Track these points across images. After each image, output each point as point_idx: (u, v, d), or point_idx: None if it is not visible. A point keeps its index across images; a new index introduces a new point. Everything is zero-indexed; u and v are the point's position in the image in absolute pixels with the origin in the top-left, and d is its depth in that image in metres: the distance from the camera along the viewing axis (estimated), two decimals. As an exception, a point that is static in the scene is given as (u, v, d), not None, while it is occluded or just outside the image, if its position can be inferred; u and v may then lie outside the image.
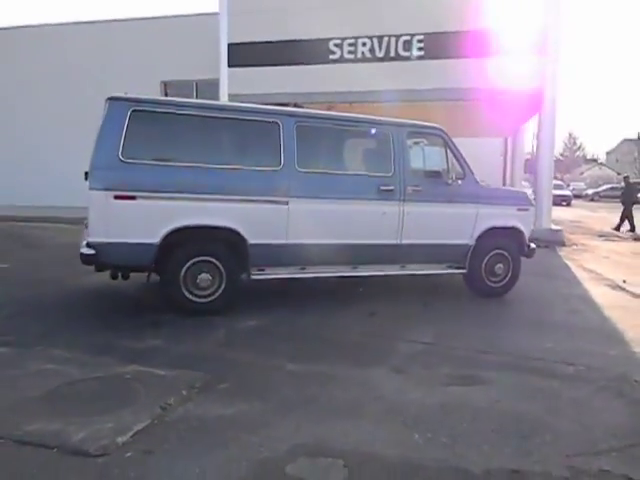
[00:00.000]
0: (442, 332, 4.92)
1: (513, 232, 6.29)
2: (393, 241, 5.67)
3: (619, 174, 19.88)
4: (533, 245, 6.53)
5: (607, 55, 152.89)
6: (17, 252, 8.95)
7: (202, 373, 3.69)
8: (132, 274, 5.47)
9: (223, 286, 5.06)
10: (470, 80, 11.81)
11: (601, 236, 14.71)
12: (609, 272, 8.47)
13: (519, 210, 6.34)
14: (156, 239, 4.76)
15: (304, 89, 12.57)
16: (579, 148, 76.99)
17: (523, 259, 6.49)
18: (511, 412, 3.27)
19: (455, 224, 5.93)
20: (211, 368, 3.80)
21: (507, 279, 6.33)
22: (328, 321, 5.15)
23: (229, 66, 13.37)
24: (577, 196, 40.24)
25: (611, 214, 16.28)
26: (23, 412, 3.01)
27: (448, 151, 5.95)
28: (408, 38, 12.22)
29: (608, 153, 78.23)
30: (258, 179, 5.10)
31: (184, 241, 4.91)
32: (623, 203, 16.20)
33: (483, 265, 6.16)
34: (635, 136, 64.82)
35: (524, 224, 6.35)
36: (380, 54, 12.41)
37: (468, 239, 6.03)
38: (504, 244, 6.26)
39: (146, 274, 5.26)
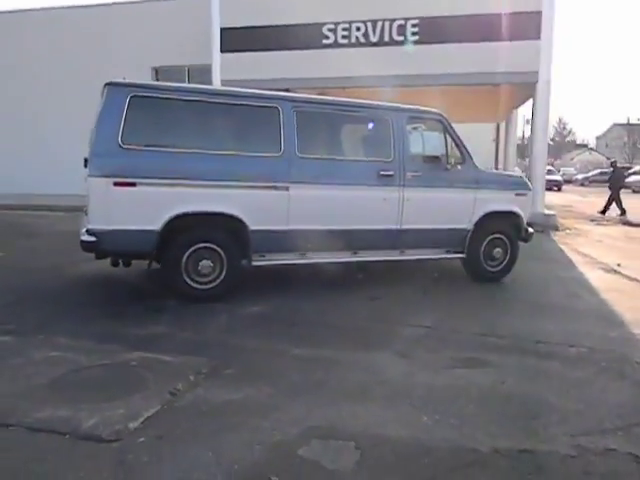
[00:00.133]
0: (443, 316, 4.96)
1: (511, 216, 6.32)
2: (393, 226, 5.69)
3: (608, 159, 19.99)
4: (531, 229, 6.57)
5: (596, 40, 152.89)
6: (14, 240, 8.87)
7: (208, 359, 3.70)
8: (132, 261, 5.46)
9: (224, 273, 5.06)
10: (464, 64, 11.78)
11: (593, 220, 14.82)
12: (603, 256, 8.55)
13: (517, 195, 6.37)
14: (157, 226, 4.74)
15: (298, 74, 12.49)
16: (569, 133, 77.36)
17: (519, 243, 6.53)
18: (516, 393, 3.32)
19: (454, 209, 5.95)
20: (216, 354, 3.81)
21: (505, 263, 6.38)
22: (330, 306, 5.17)
23: (222, 51, 13.23)
24: (568, 181, 40.41)
25: (601, 199, 16.41)
26: (32, 399, 3.01)
27: (447, 136, 5.95)
28: (402, 22, 12.15)
29: (598, 138, 78.63)
30: (259, 165, 5.08)
31: (185, 228, 4.89)
32: (610, 188, 16.33)
33: (482, 249, 6.19)
34: (625, 121, 65.09)
35: (522, 208, 6.38)
36: (374, 39, 12.34)
37: (467, 224, 6.06)
38: (502, 228, 6.29)
39: (147, 261, 5.22)
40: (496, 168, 19.80)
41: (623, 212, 15.72)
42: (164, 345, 3.96)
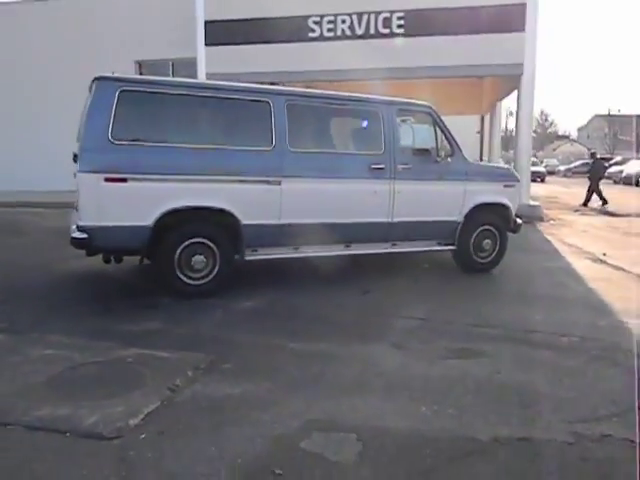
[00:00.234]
0: (435, 307, 5.00)
1: (500, 208, 6.38)
2: (384, 219, 5.71)
3: (589, 149, 20.33)
4: (519, 220, 6.64)
5: (577, 32, 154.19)
6: (0, 239, 8.74)
7: (205, 354, 3.69)
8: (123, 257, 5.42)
9: (217, 268, 5.05)
10: (450, 57, 11.83)
11: (577, 211, 15.02)
12: (589, 245, 8.68)
13: (506, 186, 6.43)
14: (149, 222, 4.70)
15: (284, 68, 12.44)
16: (551, 125, 78.09)
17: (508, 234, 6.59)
18: (511, 383, 3.36)
19: (444, 201, 5.99)
20: (213, 349, 3.81)
21: (494, 254, 6.44)
22: (323, 300, 5.18)
23: (206, 45, 13.13)
24: (550, 172, 40.85)
25: (584, 189, 16.60)
26: (29, 398, 2.98)
27: (437, 128, 5.98)
28: (388, 15, 12.15)
29: (579, 129, 79.39)
30: (250, 159, 5.06)
31: (177, 223, 4.86)
32: (590, 179, 16.53)
33: (471, 241, 6.24)
34: (606, 112, 65.83)
35: (511, 200, 6.45)
36: (360, 31, 12.33)
37: (457, 216, 6.10)
38: (492, 220, 6.35)
39: (138, 258, 5.19)
40: (481, 160, 19.95)
41: (605, 202, 15.92)
42: (159, 341, 3.95)
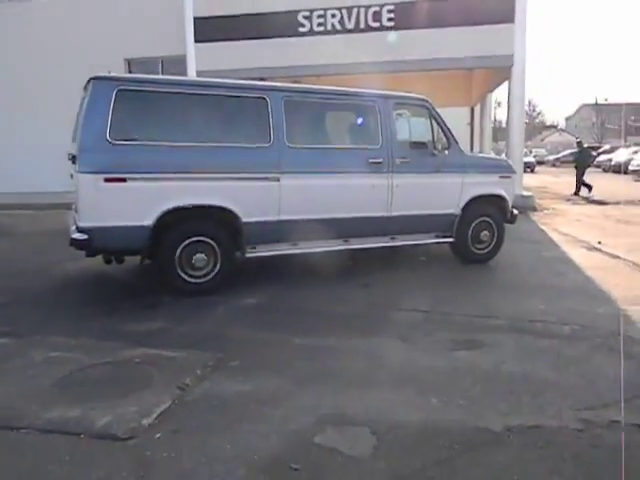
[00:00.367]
0: (436, 300, 5.03)
1: (497, 200, 6.43)
2: (383, 213, 5.73)
3: (577, 138, 20.46)
4: (516, 211, 6.70)
5: (564, 21, 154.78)
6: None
7: (211, 352, 3.69)
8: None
9: (218, 265, 5.05)
10: (440, 50, 11.84)
11: (568, 200, 15.14)
12: (583, 234, 8.75)
13: (502, 177, 6.47)
14: (149, 221, 4.69)
15: (274, 63, 12.37)
16: (539, 115, 78.40)
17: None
18: (518, 372, 3.40)
19: (442, 194, 6.02)
20: (218, 347, 3.81)
21: (492, 245, 6.49)
22: (324, 295, 5.20)
23: (196, 41, 13.03)
24: (540, 162, 41.08)
25: (573, 178, 16.73)
26: (40, 400, 2.98)
27: (433, 121, 6.00)
28: (378, 9, 12.12)
29: (567, 119, 79.82)
30: (249, 156, 5.06)
31: (178, 222, 4.86)
32: (576, 167, 16.66)
33: (469, 233, 6.28)
34: (593, 101, 66.17)
35: (507, 191, 6.49)
36: (350, 25, 12.30)
37: (455, 208, 6.14)
38: (489, 211, 6.39)
39: (139, 257, 5.18)
40: (471, 151, 20.01)
41: (590, 188, 16.04)
42: (165, 340, 3.95)
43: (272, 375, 3.36)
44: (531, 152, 44.32)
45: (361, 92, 5.76)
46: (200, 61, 12.93)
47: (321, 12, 12.40)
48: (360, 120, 5.89)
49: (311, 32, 12.51)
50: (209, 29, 12.85)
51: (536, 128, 73.89)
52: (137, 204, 4.68)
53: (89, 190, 4.52)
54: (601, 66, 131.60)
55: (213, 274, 5.05)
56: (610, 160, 30.78)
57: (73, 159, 4.61)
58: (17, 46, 15.59)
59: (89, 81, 4.72)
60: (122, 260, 5.29)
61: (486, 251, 6.48)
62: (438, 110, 6.12)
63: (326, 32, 12.43)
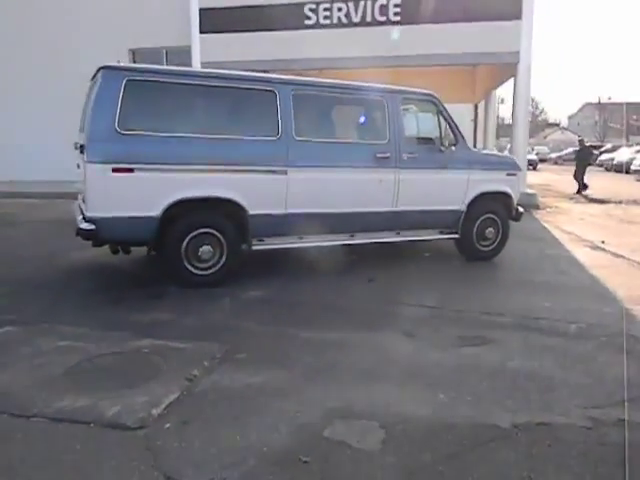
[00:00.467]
0: (441, 296, 5.03)
1: (503, 197, 6.42)
2: (389, 208, 5.73)
3: (579, 136, 20.52)
4: (521, 209, 6.69)
5: (568, 20, 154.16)
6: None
7: (219, 344, 3.70)
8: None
9: (224, 258, 5.05)
10: (446, 45, 11.80)
11: (571, 199, 15.13)
12: (586, 233, 8.76)
13: (508, 175, 6.47)
14: (157, 212, 4.69)
15: (280, 56, 12.33)
16: (541, 112, 78.27)
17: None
18: (525, 369, 3.41)
19: (448, 190, 6.01)
20: (225, 339, 3.82)
21: (497, 243, 6.49)
22: (329, 289, 5.20)
23: (201, 32, 13.01)
24: (542, 160, 41.03)
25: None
26: (50, 389, 2.98)
27: (440, 117, 5.99)
28: (384, 2, 12.08)
29: (570, 117, 79.69)
30: (257, 149, 5.05)
31: (185, 213, 4.85)
32: (576, 165, 16.70)
33: (474, 229, 6.28)
34: (596, 100, 66.06)
35: (513, 188, 6.49)
36: (356, 19, 12.25)
37: (460, 204, 6.13)
38: (494, 209, 6.39)
39: (146, 248, 5.17)
40: (474, 148, 19.98)
41: (584, 187, 16.07)
42: (172, 331, 3.96)
43: (279, 368, 3.37)
44: (533, 150, 44.28)
45: (370, 86, 5.74)
46: (205, 52, 12.89)
47: (327, 5, 12.37)
48: (368, 114, 5.88)
49: (317, 25, 12.48)
50: (215, 20, 12.81)
51: (539, 126, 73.76)
52: (145, 195, 4.67)
53: (97, 180, 4.52)
54: (605, 65, 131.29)
55: (219, 266, 5.05)
56: (612, 159, 30.76)
57: (81, 148, 4.59)
58: (21, 35, 15.52)
59: (98, 71, 4.70)
60: (129, 251, 5.29)
61: (491, 248, 6.48)
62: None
63: (332, 25, 12.40)
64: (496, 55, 11.92)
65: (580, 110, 75.77)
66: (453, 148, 6.01)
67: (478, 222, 6.29)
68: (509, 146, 20.29)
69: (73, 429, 2.61)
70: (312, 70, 12.14)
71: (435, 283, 5.55)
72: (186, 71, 5.23)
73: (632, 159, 26.79)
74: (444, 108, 6.03)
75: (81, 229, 4.60)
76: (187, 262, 4.93)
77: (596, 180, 16.37)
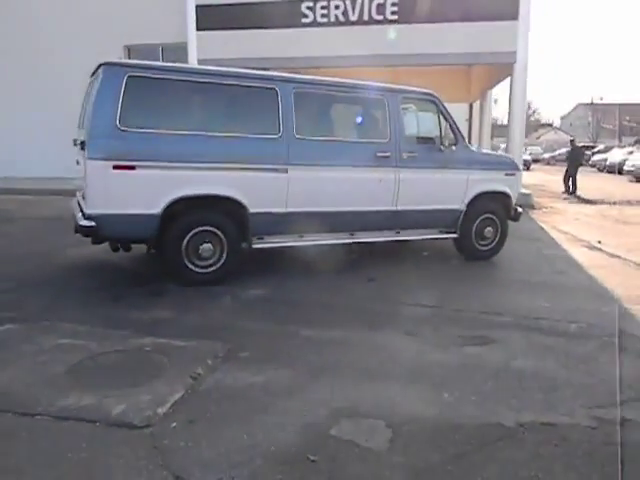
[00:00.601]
0: (442, 295, 5.04)
1: (502, 196, 6.44)
2: (389, 207, 5.73)
3: (571, 137, 20.69)
4: (520, 209, 6.72)
5: (561, 21, 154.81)
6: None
7: (221, 343, 3.69)
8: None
9: (225, 256, 5.03)
10: (443, 45, 11.80)
11: (566, 199, 15.22)
12: (582, 233, 8.80)
13: (507, 175, 6.49)
14: (157, 210, 4.67)
15: (276, 54, 12.29)
16: (534, 113, 78.53)
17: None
18: (528, 369, 3.42)
19: (448, 189, 6.02)
20: (227, 337, 3.81)
21: (495, 242, 6.51)
22: (329, 288, 5.19)
23: (197, 29, 12.92)
24: (535, 160, 41.22)
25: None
26: (53, 388, 2.97)
27: (441, 117, 5.99)
28: (382, 1, 12.06)
29: (563, 118, 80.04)
30: (258, 147, 5.03)
31: (185, 211, 4.83)
32: (568, 165, 16.84)
33: (473, 229, 6.30)
34: (589, 101, 66.39)
35: (511, 188, 6.51)
36: (353, 17, 12.23)
37: (460, 204, 6.14)
38: (493, 208, 6.41)
39: (146, 246, 5.15)
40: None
41: (567, 190, 16.21)
42: (173, 329, 3.94)
43: (282, 367, 3.36)
44: (526, 150, 44.47)
45: (370, 85, 5.73)
46: (201, 49, 12.82)
47: (324, 3, 12.33)
48: (369, 113, 5.87)
49: (314, 23, 12.44)
50: (211, 17, 12.74)
51: (532, 126, 73.91)
52: (145, 192, 4.64)
53: (97, 177, 4.48)
54: (597, 65, 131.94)
55: (219, 264, 5.04)
56: (605, 160, 30.92)
57: (82, 145, 4.56)
58: (14, 32, 15.37)
59: (99, 67, 4.67)
60: (129, 248, 5.26)
61: (489, 247, 6.50)
62: (440, 105, 6.09)
63: (329, 23, 12.36)
64: (493, 55, 11.93)
65: (573, 110, 76.13)
66: (453, 148, 6.02)
67: (477, 222, 6.31)
68: (502, 146, 20.36)
69: (78, 427, 2.60)
70: (309, 68, 12.12)
71: (434, 282, 5.56)
72: (187, 68, 5.19)
73: (625, 160, 26.94)
74: (444, 107, 6.04)
75: (81, 226, 4.57)
76: (187, 260, 4.91)
77: (589, 181, 16.48)
